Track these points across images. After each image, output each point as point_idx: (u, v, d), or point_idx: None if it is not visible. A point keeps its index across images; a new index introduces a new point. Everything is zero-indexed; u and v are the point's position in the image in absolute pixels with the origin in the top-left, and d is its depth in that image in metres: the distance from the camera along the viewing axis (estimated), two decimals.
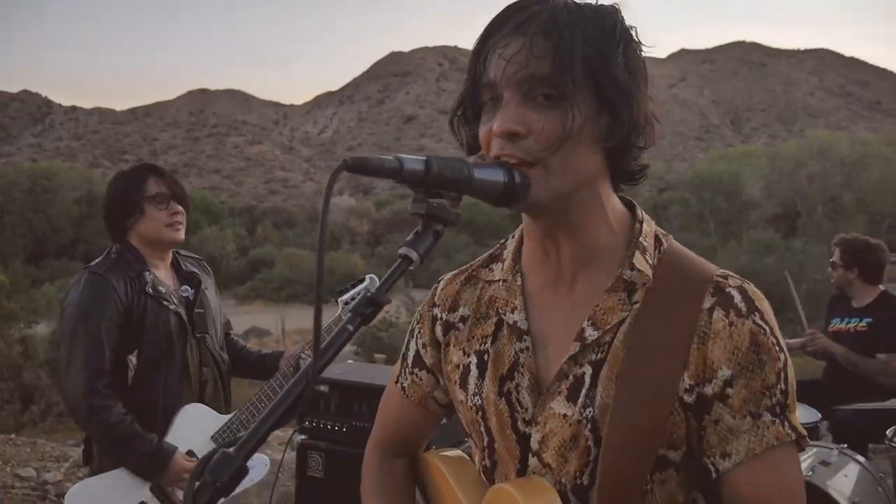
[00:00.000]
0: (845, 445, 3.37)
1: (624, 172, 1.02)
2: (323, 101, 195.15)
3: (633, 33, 0.96)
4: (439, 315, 1.15)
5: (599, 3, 0.96)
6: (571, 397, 0.98)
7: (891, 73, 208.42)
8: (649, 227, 1.03)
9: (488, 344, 1.08)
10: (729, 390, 0.93)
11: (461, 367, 1.11)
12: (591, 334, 0.98)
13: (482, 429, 1.07)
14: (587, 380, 0.98)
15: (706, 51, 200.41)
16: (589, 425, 0.96)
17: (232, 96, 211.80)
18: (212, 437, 2.39)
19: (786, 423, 0.93)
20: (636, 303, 0.98)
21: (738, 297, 0.96)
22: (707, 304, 0.96)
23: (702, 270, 0.99)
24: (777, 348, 0.94)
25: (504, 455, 1.05)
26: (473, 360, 1.09)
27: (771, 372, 0.93)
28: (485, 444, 1.07)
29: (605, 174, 1.00)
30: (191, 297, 2.46)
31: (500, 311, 1.08)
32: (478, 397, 1.07)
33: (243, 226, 68.04)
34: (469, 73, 0.99)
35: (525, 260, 1.07)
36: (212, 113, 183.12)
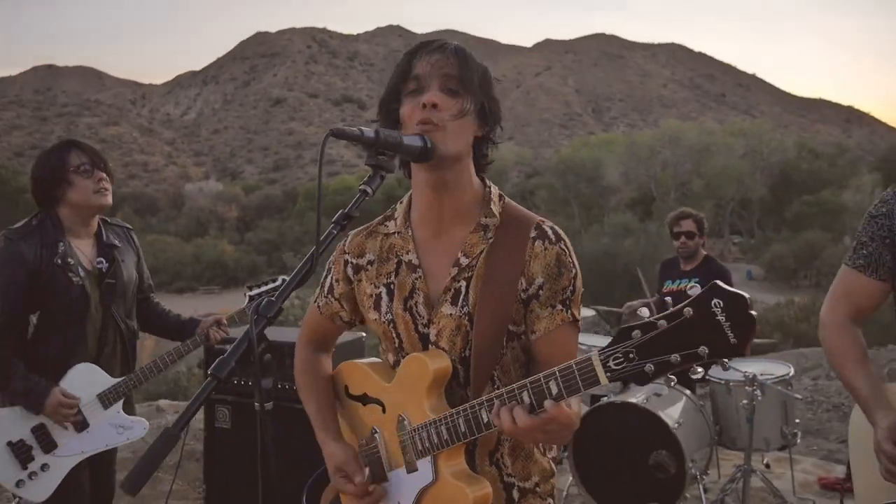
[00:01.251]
0: (675, 382, 4.06)
1: (481, 157, 1.55)
2: (185, 81, 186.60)
3: (493, 82, 1.55)
4: (350, 260, 1.62)
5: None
6: (454, 302, 1.48)
7: (734, 68, 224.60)
8: (495, 189, 1.56)
9: (392, 277, 1.55)
10: (541, 291, 1.45)
11: (373, 296, 1.57)
12: (463, 261, 1.49)
13: (394, 335, 1.54)
14: (463, 290, 1.48)
15: (569, 41, 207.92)
16: (466, 318, 1.47)
17: (83, 73, 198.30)
18: (98, 395, 2.61)
19: (569, 311, 1.46)
20: (490, 238, 1.49)
21: (550, 233, 1.49)
22: (532, 235, 1.48)
23: (528, 216, 1.53)
24: (571, 264, 1.47)
25: (410, 350, 1.52)
26: (383, 290, 1.56)
27: (566, 278, 1.46)
28: (396, 345, 1.54)
29: (471, 156, 1.52)
30: (104, 269, 2.65)
31: (398, 254, 1.55)
32: (389, 314, 1.54)
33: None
34: (398, 72, 1.49)
35: (414, 217, 1.56)
36: (61, 91, 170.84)
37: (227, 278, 48.02)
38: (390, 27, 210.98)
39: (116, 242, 2.74)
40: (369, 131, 1.32)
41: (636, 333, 1.12)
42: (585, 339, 4.27)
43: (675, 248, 4.71)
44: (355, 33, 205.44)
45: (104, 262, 2.66)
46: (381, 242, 1.59)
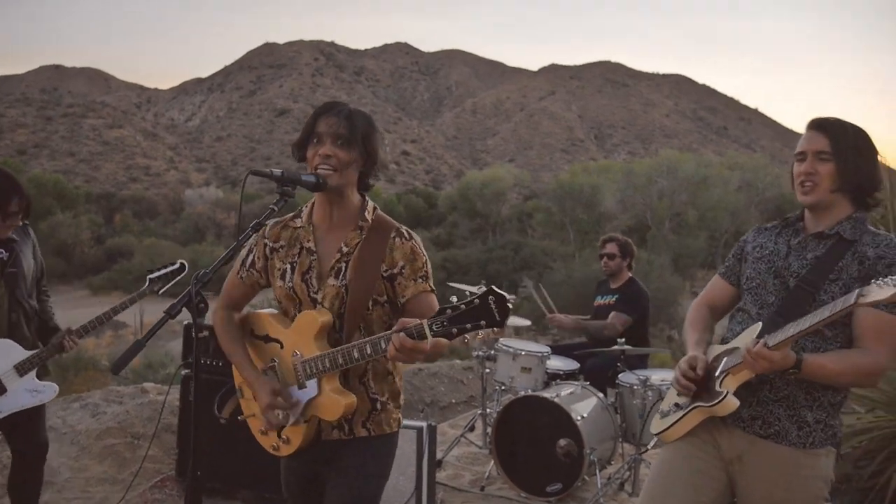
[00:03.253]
0: (588, 383, 4.68)
1: (363, 185, 2.27)
2: (191, 88, 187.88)
3: (378, 130, 2.25)
4: (268, 243, 2.30)
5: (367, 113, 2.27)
6: (336, 277, 2.18)
7: (737, 102, 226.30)
8: (371, 203, 2.26)
9: (296, 258, 2.24)
10: (403, 270, 2.16)
11: (282, 270, 2.26)
12: (345, 249, 2.19)
13: (294, 296, 2.21)
14: (343, 269, 2.18)
15: (574, 67, 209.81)
16: (344, 288, 2.17)
17: (90, 75, 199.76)
18: (14, 366, 3.18)
19: (427, 283, 2.18)
20: (364, 235, 2.19)
21: (405, 233, 2.20)
22: (392, 235, 2.19)
23: (391, 223, 2.23)
24: (421, 253, 2.18)
25: (305, 309, 2.22)
26: (288, 266, 2.25)
27: (419, 261, 2.18)
28: (295, 304, 2.22)
29: (355, 183, 2.24)
30: (5, 259, 3.21)
31: (301, 242, 2.24)
32: (290, 283, 2.23)
33: (100, 213, 64.97)
34: (306, 127, 2.18)
35: (314, 218, 2.26)
36: (67, 91, 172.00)
37: (222, 284, 48.38)
38: (398, 45, 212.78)
39: (15, 237, 3.27)
40: (278, 171, 2.07)
41: (448, 311, 1.84)
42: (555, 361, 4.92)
43: (601, 267, 5.37)
44: (363, 48, 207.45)
45: (4, 252, 3.21)
46: (291, 233, 2.28)
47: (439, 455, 4.74)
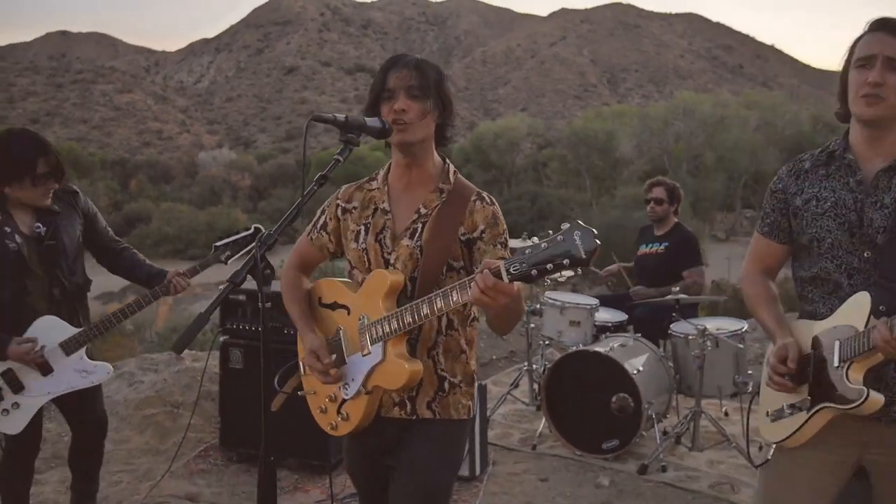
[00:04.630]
0: (640, 335, 4.50)
1: (442, 138, 2.13)
2: (198, 49, 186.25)
3: (446, 81, 2.11)
4: (341, 204, 2.19)
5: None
6: (411, 237, 2.05)
7: (753, 39, 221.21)
8: (451, 166, 2.14)
9: (370, 219, 2.12)
10: (483, 234, 2.03)
11: (355, 231, 2.14)
12: (422, 210, 2.07)
13: (366, 259, 2.09)
14: (419, 230, 2.05)
15: (585, 10, 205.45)
16: (418, 249, 2.03)
17: (97, 40, 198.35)
18: (60, 344, 2.99)
19: (505, 251, 2.03)
20: (444, 198, 2.07)
21: (487, 198, 2.08)
22: (473, 198, 2.07)
23: (472, 187, 2.11)
24: (502, 219, 2.07)
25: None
26: (362, 228, 2.13)
27: (501, 227, 2.05)
28: (367, 267, 2.09)
29: (433, 138, 2.11)
30: (42, 233, 2.99)
31: (376, 203, 2.13)
32: (364, 244, 2.11)
33: (116, 179, 65.04)
34: (376, 85, 2.04)
35: (390, 178, 2.15)
36: (75, 57, 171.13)
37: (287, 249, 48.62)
38: None
39: (56, 208, 3.05)
40: (341, 116, 1.91)
41: (528, 250, 1.64)
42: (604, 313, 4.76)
43: (647, 213, 5.14)
44: (369, 1, 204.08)
45: (41, 226, 3.00)
46: (365, 195, 2.16)
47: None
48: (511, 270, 1.65)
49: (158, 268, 3.33)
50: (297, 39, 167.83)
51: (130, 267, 3.32)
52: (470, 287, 1.75)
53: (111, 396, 4.81)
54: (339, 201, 2.19)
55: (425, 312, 1.88)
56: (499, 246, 2.03)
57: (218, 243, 3.29)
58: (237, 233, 3.32)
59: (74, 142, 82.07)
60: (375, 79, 2.06)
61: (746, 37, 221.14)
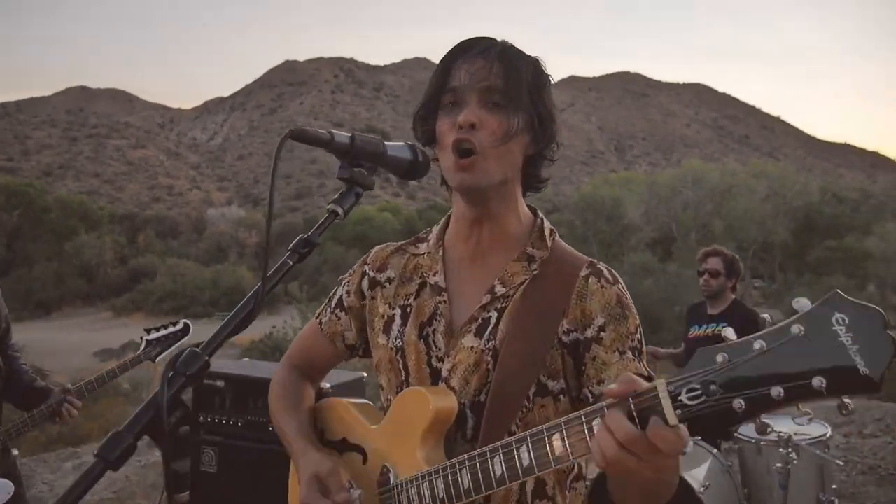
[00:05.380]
0: (699, 438, 3.76)
1: (533, 178, 1.35)
2: (213, 107, 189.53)
3: (549, 84, 1.32)
4: (368, 272, 1.44)
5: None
6: (479, 333, 1.27)
7: (759, 110, 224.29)
8: (547, 223, 1.37)
9: (411, 300, 1.36)
10: (602, 333, 1.23)
11: (386, 317, 1.37)
12: (499, 290, 1.29)
13: (400, 366, 1.32)
14: (493, 321, 1.27)
15: (594, 79, 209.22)
16: (490, 353, 1.25)
17: (115, 96, 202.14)
18: None
19: (642, 364, 1.24)
20: (535, 270, 1.29)
21: (606, 272, 1.30)
22: (583, 273, 1.28)
23: (580, 255, 1.34)
24: (633, 310, 1.28)
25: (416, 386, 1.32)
26: (398, 312, 1.36)
27: (632, 323, 1.26)
28: (401, 378, 1.32)
29: (519, 179, 1.33)
30: None
31: (423, 275, 1.37)
32: (399, 340, 1.34)
33: (124, 233, 64.99)
34: (434, 81, 1.29)
35: (449, 238, 1.39)
36: (92, 112, 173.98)
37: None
38: (416, 59, 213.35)
39: None
40: (342, 136, 1.14)
41: (722, 357, 0.85)
42: None
43: (700, 287, 4.43)
44: (382, 64, 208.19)
45: None
46: (407, 261, 1.41)
47: None
48: (686, 400, 0.86)
49: (44, 385, 2.79)
50: (311, 100, 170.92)
51: (15, 372, 2.74)
52: (591, 430, 0.96)
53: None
54: (366, 267, 1.45)
55: (498, 473, 1.07)
56: (631, 354, 1.22)
57: (149, 336, 2.85)
58: (165, 327, 2.90)
59: (85, 195, 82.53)
60: (435, 72, 1.31)
61: (752, 107, 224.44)
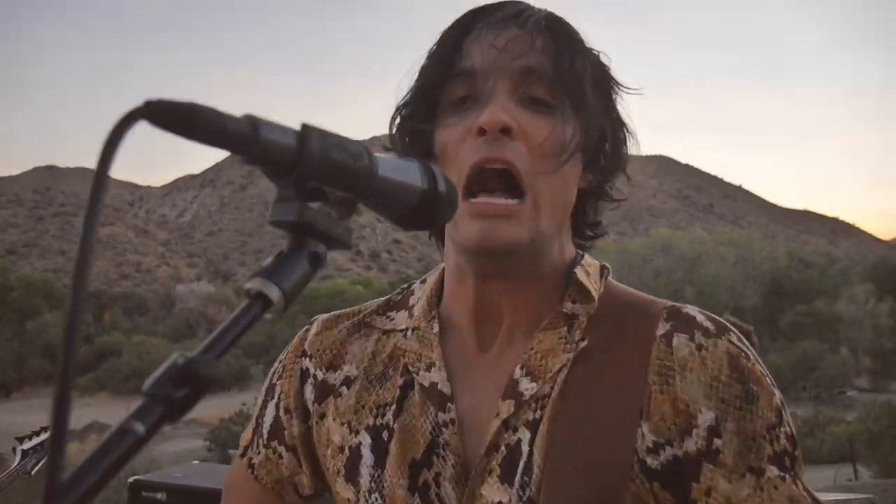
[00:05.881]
0: None
1: (586, 223, 0.86)
2: (183, 184, 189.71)
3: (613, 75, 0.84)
4: (312, 370, 0.86)
5: None
6: (506, 476, 0.74)
7: (720, 179, 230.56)
8: (590, 259, 0.86)
9: (389, 416, 0.80)
10: (717, 441, 0.70)
11: (347, 450, 0.82)
12: (527, 387, 0.75)
13: None
14: (524, 448, 0.74)
15: None
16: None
17: (83, 174, 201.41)
18: None
19: (798, 483, 0.71)
20: (580, 340, 0.77)
21: (700, 317, 0.77)
22: (661, 331, 0.75)
23: (651, 299, 0.82)
24: (768, 379, 0.74)
25: None
26: (366, 440, 0.80)
27: (767, 407, 0.72)
28: None
29: (568, 217, 0.82)
30: None
31: (409, 368, 0.81)
32: (376, 495, 0.78)
33: (89, 311, 63.66)
34: (433, 61, 0.79)
35: (448, 305, 0.84)
36: (59, 191, 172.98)
37: None
38: (386, 136, 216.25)
39: None
40: (279, 130, 0.49)
41: None
42: None
43: None
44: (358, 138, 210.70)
45: None
46: (377, 344, 0.85)
47: None
48: None
49: None
50: None
51: None
52: None
53: None
54: (306, 360, 0.88)
55: None
56: (776, 470, 0.71)
57: (24, 446, 2.41)
58: (38, 433, 2.47)
59: (51, 273, 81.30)
60: (431, 52, 0.79)
61: (715, 177, 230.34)
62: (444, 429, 0.77)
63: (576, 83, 0.75)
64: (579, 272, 0.80)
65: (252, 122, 0.47)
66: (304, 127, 0.49)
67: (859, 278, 57.26)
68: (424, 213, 0.57)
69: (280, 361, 0.91)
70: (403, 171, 0.56)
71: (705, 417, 0.70)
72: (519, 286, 0.78)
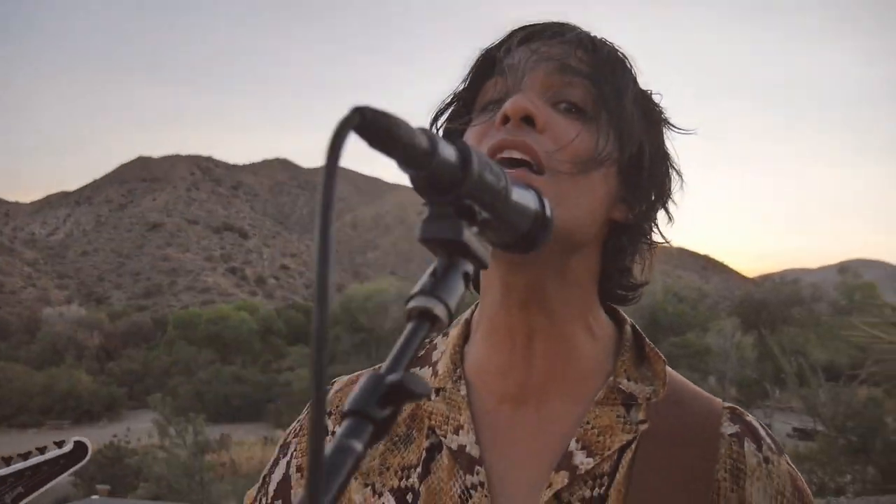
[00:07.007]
0: None
1: (615, 272, 0.79)
2: (56, 202, 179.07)
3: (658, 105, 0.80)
4: (331, 427, 0.83)
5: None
6: None
7: None
8: (638, 331, 0.82)
9: (414, 478, 0.77)
10: None
11: None
12: (583, 461, 0.72)
13: None
14: None
15: None
16: None
17: None
18: None
19: None
20: (640, 422, 0.74)
21: (762, 432, 0.77)
22: (729, 431, 0.76)
23: (706, 394, 0.81)
24: (808, 493, 0.77)
25: None
26: (390, 501, 0.77)
27: None
28: None
29: (597, 260, 0.77)
30: None
31: (435, 429, 0.78)
32: None
33: None
34: (471, 67, 0.78)
35: (474, 363, 0.80)
36: None
37: (81, 412, 44.07)
38: (277, 160, 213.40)
39: None
40: (445, 145, 0.50)
41: None
42: None
43: None
44: (241, 164, 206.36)
45: None
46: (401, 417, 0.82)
47: None
48: None
49: None
50: (164, 196, 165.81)
51: None
52: None
53: None
54: (330, 422, 0.84)
55: None
56: None
57: (5, 471, 1.93)
58: (8, 461, 1.98)
59: None
60: (470, 67, 0.78)
61: None
62: (472, 492, 0.74)
63: (615, 92, 0.72)
64: (642, 349, 0.80)
65: (430, 138, 0.48)
66: (463, 144, 0.51)
67: (727, 312, 60.84)
68: (535, 233, 0.58)
69: (299, 421, 0.89)
70: (522, 194, 0.57)
71: None
72: (549, 332, 0.75)
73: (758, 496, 0.72)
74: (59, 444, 2.06)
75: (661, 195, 0.78)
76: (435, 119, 0.81)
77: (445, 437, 0.77)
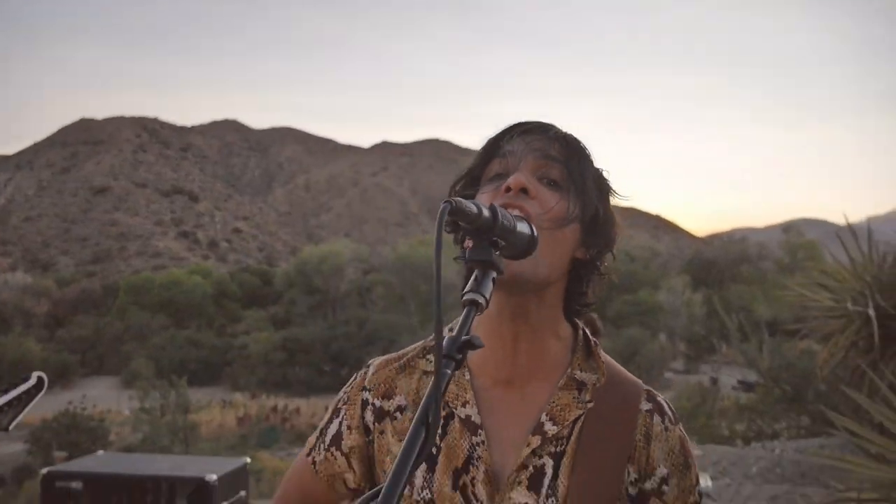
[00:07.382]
0: None
1: (576, 294, 1.13)
2: None
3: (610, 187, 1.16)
4: (370, 400, 1.17)
5: None
6: (533, 487, 1.05)
7: None
8: (592, 339, 1.16)
9: (437, 436, 1.06)
10: (665, 487, 1.09)
11: None
12: (550, 429, 1.08)
13: None
14: (549, 471, 1.06)
15: (405, 144, 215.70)
16: None
17: None
18: None
19: None
20: (588, 402, 1.10)
21: (666, 407, 1.13)
22: (645, 407, 1.11)
23: (633, 378, 1.16)
24: (694, 458, 1.13)
25: None
26: None
27: (693, 475, 1.12)
28: None
29: (564, 286, 1.12)
30: None
31: (449, 404, 1.11)
32: (427, 491, 1.08)
33: None
34: (480, 152, 1.13)
35: (475, 357, 1.11)
36: None
37: None
38: (226, 121, 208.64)
39: None
40: (486, 208, 0.89)
41: None
42: None
43: None
44: (189, 125, 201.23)
45: None
46: (420, 383, 1.16)
47: None
48: None
49: None
50: (109, 159, 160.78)
51: None
52: None
53: None
54: (366, 393, 1.18)
55: None
56: None
57: None
58: (14, 386, 2.35)
59: None
60: (482, 148, 1.14)
61: None
62: (476, 447, 1.08)
63: (580, 174, 1.08)
64: (590, 348, 1.14)
65: (477, 206, 0.87)
66: (494, 208, 0.90)
67: (677, 271, 62.24)
68: (530, 246, 0.96)
69: (345, 392, 1.21)
70: (522, 226, 0.95)
71: (661, 471, 1.09)
72: (530, 336, 1.09)
73: (658, 452, 1.09)
74: (25, 379, 2.38)
75: (609, 241, 1.12)
76: (454, 185, 1.16)
77: (456, 409, 1.11)
